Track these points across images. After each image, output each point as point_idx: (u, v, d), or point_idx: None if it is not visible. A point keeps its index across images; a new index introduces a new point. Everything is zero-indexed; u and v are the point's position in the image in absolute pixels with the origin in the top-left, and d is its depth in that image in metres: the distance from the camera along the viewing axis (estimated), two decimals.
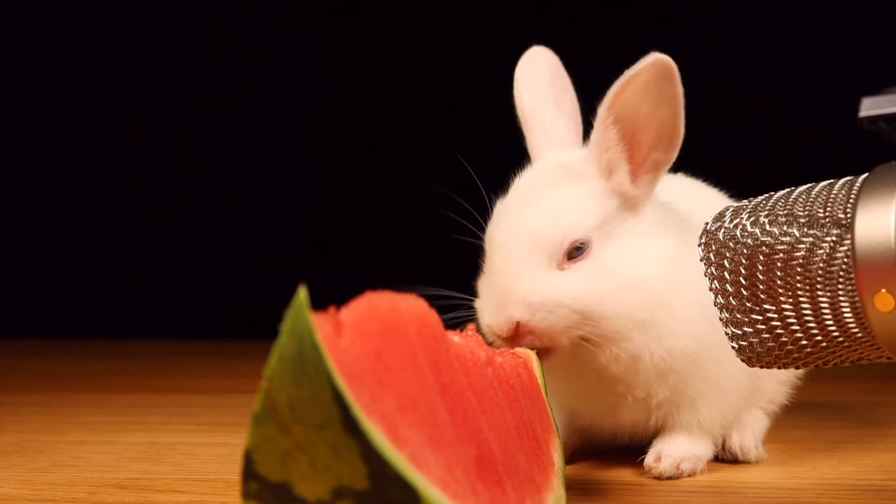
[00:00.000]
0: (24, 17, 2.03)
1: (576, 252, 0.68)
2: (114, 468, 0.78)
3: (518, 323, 0.66)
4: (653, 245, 0.70)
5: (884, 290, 0.49)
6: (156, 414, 1.08)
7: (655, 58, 0.66)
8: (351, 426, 0.45)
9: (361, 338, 0.48)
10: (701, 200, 0.80)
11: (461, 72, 1.87)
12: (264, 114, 2.00)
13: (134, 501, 0.67)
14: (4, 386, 1.36)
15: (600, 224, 0.69)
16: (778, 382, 0.83)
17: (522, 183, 0.73)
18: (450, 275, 0.73)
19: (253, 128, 2.01)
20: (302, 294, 0.46)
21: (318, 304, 0.47)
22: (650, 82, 0.67)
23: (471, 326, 0.64)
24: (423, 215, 0.71)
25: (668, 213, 0.73)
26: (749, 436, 0.79)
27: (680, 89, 0.68)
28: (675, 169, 0.84)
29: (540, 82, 0.76)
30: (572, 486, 0.71)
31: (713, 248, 0.56)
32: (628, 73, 0.67)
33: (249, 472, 0.47)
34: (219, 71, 2.02)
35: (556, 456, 0.61)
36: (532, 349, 0.67)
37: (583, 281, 0.67)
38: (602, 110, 0.68)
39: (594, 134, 0.70)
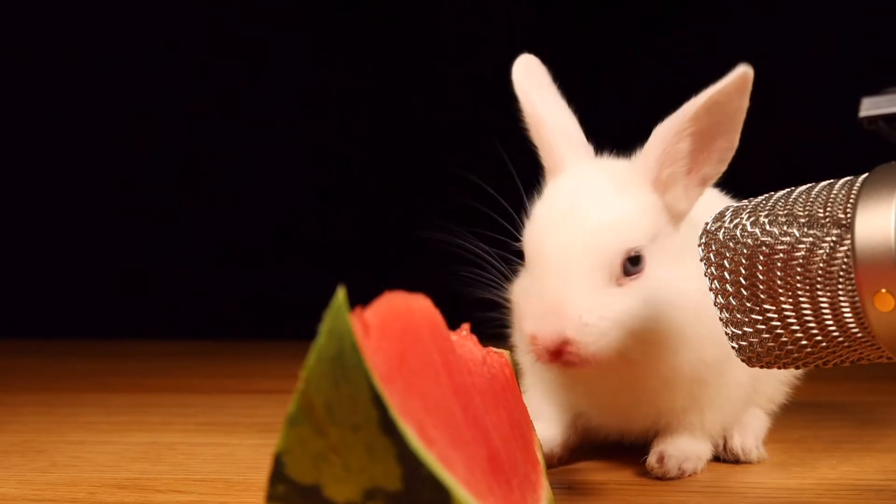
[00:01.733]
0: (23, 17, 2.03)
1: (631, 267, 0.65)
2: (114, 468, 0.78)
3: (567, 339, 0.63)
4: (692, 260, 0.66)
5: (884, 290, 0.49)
6: (156, 414, 1.08)
7: (744, 70, 0.64)
8: (388, 427, 0.45)
9: (386, 339, 0.48)
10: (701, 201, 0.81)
11: (461, 72, 1.87)
12: (264, 113, 2.00)
13: (134, 501, 0.67)
14: (4, 386, 1.36)
15: (653, 239, 0.67)
16: (778, 382, 0.83)
17: (565, 189, 0.69)
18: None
19: (253, 127, 2.01)
20: (341, 295, 0.46)
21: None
22: (735, 97, 0.65)
23: (465, 326, 0.63)
24: (428, 215, 0.70)
25: (696, 227, 0.71)
26: (750, 436, 0.79)
27: (747, 102, 0.66)
28: None
29: (543, 87, 0.74)
30: (573, 486, 0.71)
31: (713, 248, 0.56)
32: (720, 86, 0.64)
33: (278, 475, 0.47)
34: (219, 71, 2.02)
35: (539, 453, 0.61)
36: (568, 365, 0.64)
37: (640, 301, 0.65)
38: (680, 121, 0.66)
39: (656, 146, 0.67)
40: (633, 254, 0.65)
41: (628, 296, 0.65)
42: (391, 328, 0.48)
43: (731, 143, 0.67)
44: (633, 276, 0.65)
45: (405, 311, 0.50)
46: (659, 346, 0.66)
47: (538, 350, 0.63)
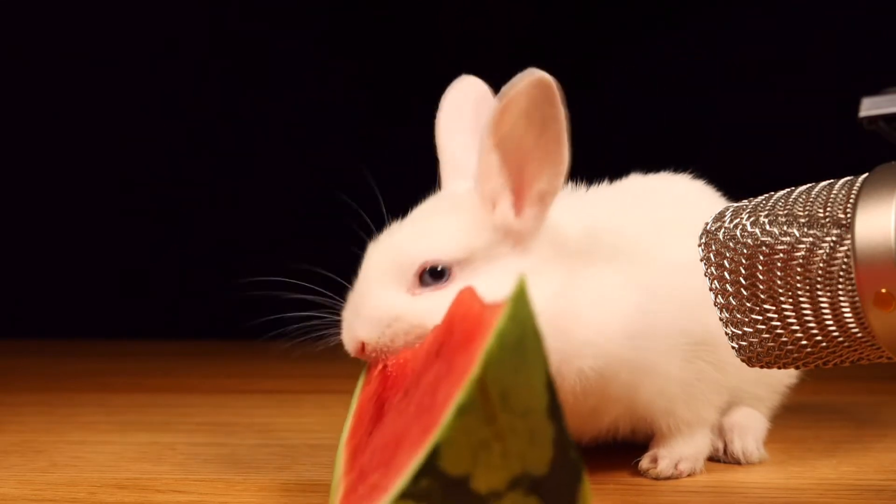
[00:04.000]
0: (23, 17, 2.03)
1: (430, 279, 0.65)
2: (114, 468, 0.78)
3: (363, 343, 0.65)
4: (532, 283, 0.65)
5: (884, 290, 0.49)
6: (156, 414, 1.08)
7: (532, 78, 0.60)
8: (553, 412, 0.46)
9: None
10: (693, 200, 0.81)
11: (461, 72, 1.87)
12: (264, 114, 2.00)
13: (134, 501, 0.67)
14: (4, 386, 1.36)
15: (466, 257, 0.65)
16: (761, 382, 0.82)
17: (414, 212, 0.70)
18: None
19: (253, 128, 2.01)
20: (522, 281, 0.47)
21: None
22: (531, 105, 0.62)
23: None
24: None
25: (559, 245, 0.68)
26: (751, 439, 0.79)
27: (561, 112, 0.62)
28: (674, 169, 0.85)
29: (461, 112, 0.73)
30: None
31: (713, 248, 0.56)
32: (506, 94, 0.61)
33: (428, 467, 0.45)
34: (219, 71, 2.02)
35: None
36: (377, 361, 0.65)
37: (426, 307, 0.64)
38: (483, 134, 0.64)
39: (477, 163, 0.65)
40: (429, 266, 0.65)
41: (415, 300, 0.65)
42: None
43: (557, 156, 0.64)
44: (434, 287, 0.65)
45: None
46: None
47: (352, 353, 0.66)
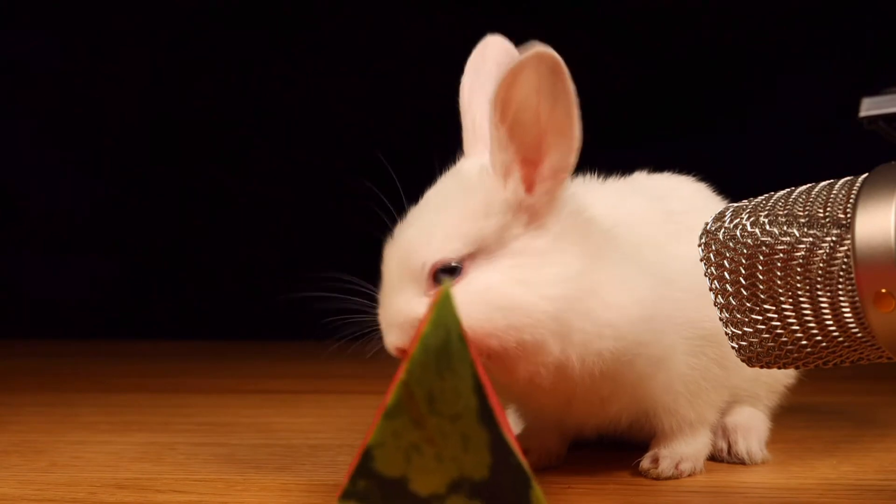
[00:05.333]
0: (24, 18, 2.03)
1: (445, 276, 0.64)
2: (114, 468, 0.78)
3: (398, 347, 0.65)
4: (552, 263, 0.65)
5: (884, 290, 0.49)
6: (156, 414, 1.08)
7: (538, 52, 0.60)
8: (486, 417, 0.47)
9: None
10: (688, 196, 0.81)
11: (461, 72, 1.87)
12: (264, 115, 2.01)
13: (134, 501, 0.67)
14: (4, 386, 1.36)
15: (480, 244, 0.65)
16: (759, 381, 0.82)
17: (425, 197, 0.69)
18: None
19: (253, 129, 2.02)
20: (448, 286, 0.48)
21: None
22: (540, 79, 0.61)
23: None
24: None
25: (578, 222, 0.67)
26: (754, 440, 0.79)
27: (570, 86, 0.61)
28: (674, 169, 0.85)
29: (484, 74, 0.71)
30: (573, 486, 0.71)
31: (713, 248, 0.56)
32: (511, 68, 0.60)
33: (364, 469, 0.47)
34: (219, 71, 2.02)
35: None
36: None
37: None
38: (490, 110, 0.63)
39: (490, 136, 0.65)
40: (440, 267, 0.64)
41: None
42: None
43: (569, 131, 0.63)
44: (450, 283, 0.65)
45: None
46: (499, 347, 0.64)
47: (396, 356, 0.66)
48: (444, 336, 0.47)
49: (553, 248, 0.65)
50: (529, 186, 0.65)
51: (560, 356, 0.65)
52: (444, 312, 0.47)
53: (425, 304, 0.64)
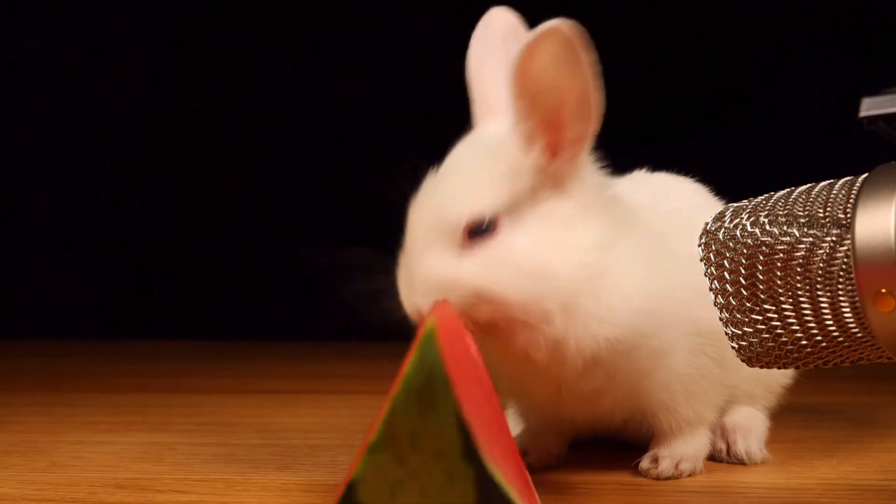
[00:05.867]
0: (24, 18, 2.03)
1: (479, 232, 0.64)
2: (114, 468, 0.78)
3: (420, 309, 0.63)
4: (576, 228, 0.66)
5: (884, 290, 0.49)
6: (156, 414, 1.08)
7: (557, 25, 0.61)
8: (470, 454, 0.46)
9: (449, 349, 0.48)
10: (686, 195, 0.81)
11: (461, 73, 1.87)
12: (264, 115, 2.00)
13: (134, 501, 0.67)
14: (4, 386, 1.36)
15: (510, 204, 0.65)
16: (758, 381, 0.82)
17: (446, 160, 0.69)
18: None
19: (253, 129, 2.01)
20: (431, 325, 0.47)
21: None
22: (559, 50, 0.62)
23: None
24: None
25: (602, 196, 0.68)
26: (754, 440, 0.79)
27: (587, 56, 0.62)
28: (673, 169, 0.85)
29: (491, 46, 0.71)
30: (573, 486, 0.71)
31: (713, 248, 0.56)
32: (531, 38, 0.62)
33: (348, 502, 0.47)
34: (219, 71, 2.02)
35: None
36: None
37: (481, 263, 0.64)
38: (510, 79, 0.64)
39: (512, 107, 0.65)
40: (474, 223, 0.64)
41: (467, 259, 0.64)
42: (445, 340, 0.49)
43: (586, 98, 0.64)
44: (484, 239, 0.64)
45: (451, 319, 0.51)
46: (517, 313, 0.64)
47: (414, 319, 0.65)
48: (427, 376, 0.46)
49: (579, 214, 0.66)
50: (554, 153, 0.66)
51: (561, 330, 0.65)
52: (426, 351, 0.47)
53: (460, 263, 0.64)
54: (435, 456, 0.46)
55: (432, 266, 0.64)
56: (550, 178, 0.66)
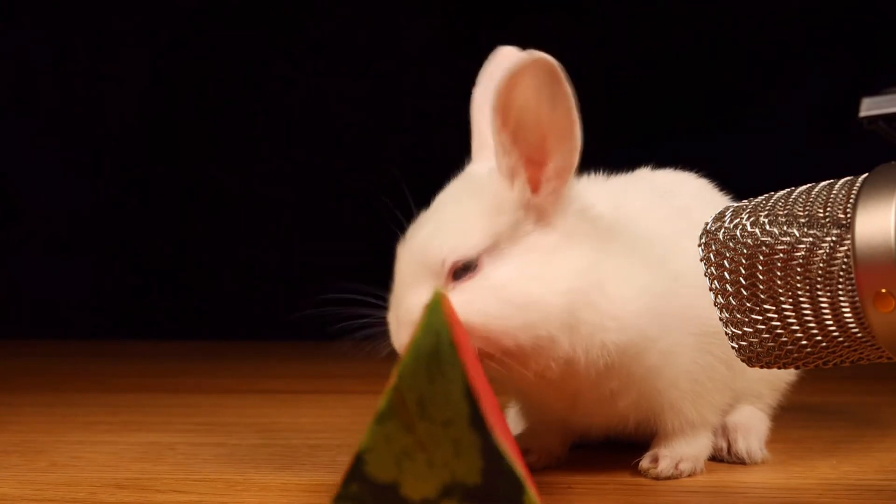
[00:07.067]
0: (24, 18, 2.03)
1: (462, 273, 0.65)
2: (114, 468, 0.78)
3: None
4: (559, 257, 0.66)
5: (884, 290, 0.49)
6: (156, 414, 1.08)
7: (535, 57, 0.62)
8: (477, 422, 0.47)
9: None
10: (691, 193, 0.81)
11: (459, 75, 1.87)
12: (264, 115, 2.00)
13: (134, 501, 0.67)
14: (4, 386, 1.36)
15: (492, 242, 0.66)
16: (762, 380, 0.82)
17: (438, 197, 0.70)
18: None
19: (253, 129, 2.02)
20: (439, 292, 0.48)
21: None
22: (538, 83, 0.63)
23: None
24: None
25: (584, 223, 0.69)
26: (754, 439, 0.79)
27: (568, 88, 0.63)
28: (673, 168, 0.85)
29: (493, 84, 0.71)
30: (573, 486, 0.71)
31: (713, 248, 0.56)
32: (509, 74, 0.62)
33: (356, 473, 0.48)
34: (219, 71, 2.02)
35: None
36: None
37: (462, 296, 0.64)
38: (491, 112, 0.64)
39: (494, 141, 0.66)
40: (457, 261, 0.65)
41: (454, 295, 0.64)
42: (452, 314, 0.50)
43: (569, 132, 0.65)
44: (466, 278, 0.65)
45: (448, 301, 0.52)
46: (512, 345, 0.64)
47: None
48: (435, 341, 0.47)
49: (562, 245, 0.67)
50: (535, 187, 0.67)
51: (569, 350, 0.66)
52: (434, 317, 0.47)
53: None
54: (442, 424, 0.47)
55: (417, 304, 0.64)
56: (534, 211, 0.67)
